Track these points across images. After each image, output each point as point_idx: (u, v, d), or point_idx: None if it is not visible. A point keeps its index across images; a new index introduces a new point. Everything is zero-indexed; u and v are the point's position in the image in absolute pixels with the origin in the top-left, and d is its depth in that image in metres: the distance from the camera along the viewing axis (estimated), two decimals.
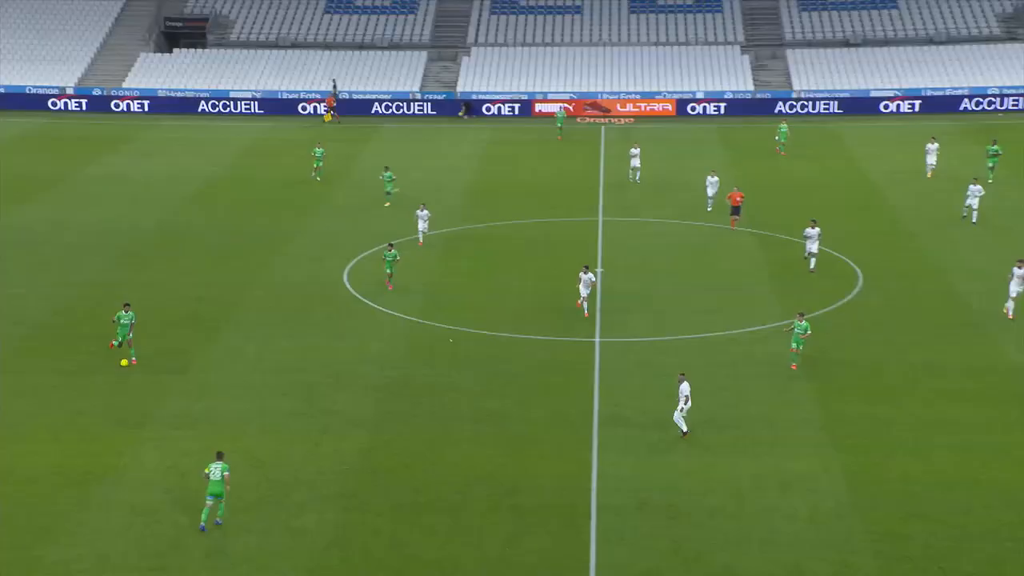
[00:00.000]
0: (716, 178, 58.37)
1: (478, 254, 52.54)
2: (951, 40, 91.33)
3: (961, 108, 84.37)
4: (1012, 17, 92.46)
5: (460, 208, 60.36)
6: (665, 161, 69.05)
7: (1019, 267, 42.52)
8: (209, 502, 29.08)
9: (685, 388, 33.67)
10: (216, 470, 29.07)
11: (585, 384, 37.91)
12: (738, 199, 54.49)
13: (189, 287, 48.04)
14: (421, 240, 52.31)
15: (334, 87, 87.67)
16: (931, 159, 64.10)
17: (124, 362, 39.23)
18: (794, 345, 38.09)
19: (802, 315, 38.42)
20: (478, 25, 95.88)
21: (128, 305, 39.66)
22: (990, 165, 61.94)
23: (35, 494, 31.20)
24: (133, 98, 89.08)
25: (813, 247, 47.86)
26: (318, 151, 66.00)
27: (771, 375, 38.46)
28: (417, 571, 27.72)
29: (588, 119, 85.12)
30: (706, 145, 75.29)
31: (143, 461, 33.18)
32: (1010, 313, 42.45)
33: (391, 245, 47.27)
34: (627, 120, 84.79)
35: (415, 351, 40.92)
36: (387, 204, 59.56)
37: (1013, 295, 42.49)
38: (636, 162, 64.38)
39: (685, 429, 33.70)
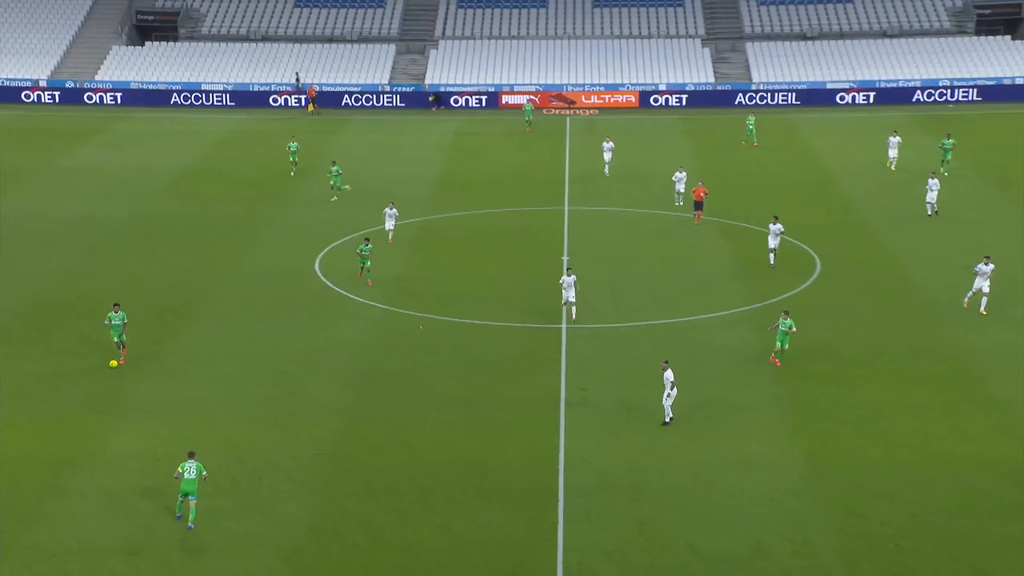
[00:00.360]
0: (683, 174, 57.45)
1: (447, 243, 52.43)
2: (904, 34, 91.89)
3: (913, 100, 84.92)
4: (962, 11, 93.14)
5: (429, 198, 60.24)
6: (629, 152, 68.98)
7: (985, 264, 41.82)
8: (181, 499, 28.58)
9: (669, 375, 33.38)
10: (191, 469, 28.44)
11: (552, 369, 37.95)
12: (702, 194, 54.00)
13: (163, 277, 47.72)
14: (391, 238, 50.87)
15: (297, 80, 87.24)
16: (893, 152, 63.81)
17: (114, 363, 38.25)
18: (778, 344, 37.44)
19: (787, 313, 37.81)
20: (445, 18, 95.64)
21: (117, 305, 38.63)
22: (945, 159, 61.55)
23: (12, 479, 30.96)
24: (106, 91, 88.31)
25: (774, 242, 47.28)
26: (292, 145, 65.02)
27: (733, 359, 38.61)
28: (389, 553, 27.70)
29: (554, 111, 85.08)
30: (669, 136, 75.44)
31: (118, 447, 32.98)
32: (965, 301, 42.23)
33: (367, 239, 46.65)
34: (592, 112, 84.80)
35: (386, 338, 40.84)
36: (334, 199, 58.64)
37: (976, 289, 41.76)
38: (608, 156, 63.63)
39: (669, 416, 33.51)
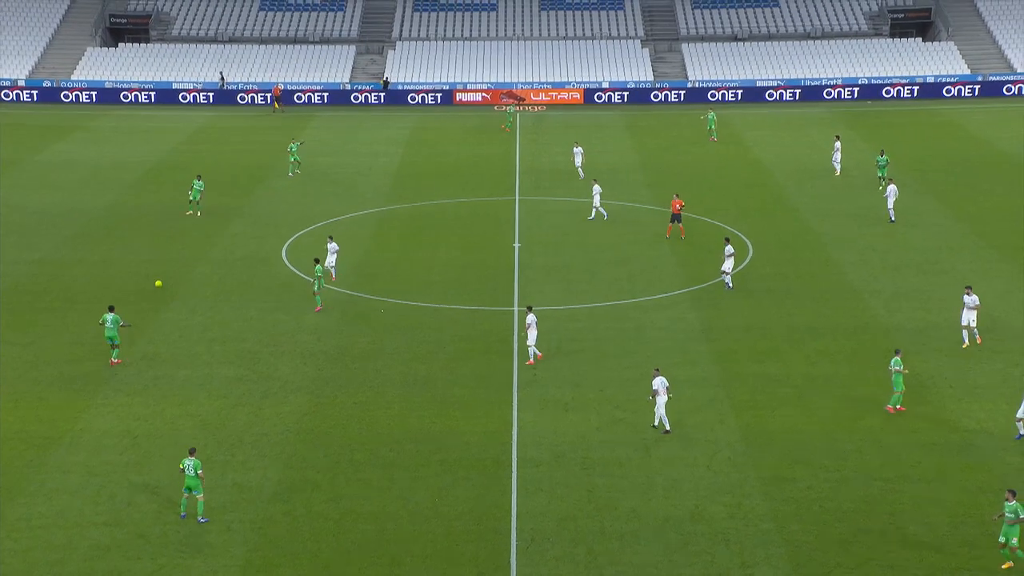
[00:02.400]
0: (598, 187, 53.10)
1: (406, 231, 52.16)
2: (825, 35, 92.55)
3: (835, 96, 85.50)
4: (877, 15, 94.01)
5: (388, 189, 59.91)
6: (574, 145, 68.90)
7: (968, 294, 37.71)
8: (186, 494, 27.69)
9: (662, 381, 31.74)
10: (190, 466, 27.49)
11: (505, 349, 37.90)
12: (678, 207, 49.57)
13: (138, 264, 47.13)
14: (333, 276, 43.99)
15: (221, 78, 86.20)
16: (837, 156, 61.17)
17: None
18: (897, 389, 32.84)
19: (898, 351, 33.51)
20: (402, 21, 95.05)
21: (112, 308, 37.04)
22: (880, 175, 56.75)
23: None
24: (81, 89, 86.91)
25: (727, 265, 43.31)
26: (293, 146, 62.58)
27: (673, 338, 38.70)
28: (354, 522, 27.58)
29: (504, 107, 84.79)
30: (611, 130, 75.42)
31: (97, 426, 32.58)
32: (965, 340, 37.62)
33: (317, 260, 41.94)
34: (540, 108, 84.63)
35: (349, 321, 40.60)
36: (188, 212, 53.75)
37: (964, 323, 37.54)
38: (579, 160, 61.21)
39: (667, 426, 31.62)
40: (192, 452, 28.04)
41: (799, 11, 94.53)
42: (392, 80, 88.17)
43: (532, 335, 36.48)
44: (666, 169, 63.17)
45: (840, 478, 29.35)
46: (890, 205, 52.45)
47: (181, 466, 27.81)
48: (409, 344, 38.45)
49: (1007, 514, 25.38)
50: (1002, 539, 25.45)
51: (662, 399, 31.75)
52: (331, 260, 44.10)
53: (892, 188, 52.83)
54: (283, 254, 48.32)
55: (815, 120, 73.99)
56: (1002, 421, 32.20)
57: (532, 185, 60.45)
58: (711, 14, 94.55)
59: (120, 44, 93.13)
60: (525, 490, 28.90)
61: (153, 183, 61.35)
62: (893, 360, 32.93)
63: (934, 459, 30.28)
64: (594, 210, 52.78)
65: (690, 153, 68.20)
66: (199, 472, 27.58)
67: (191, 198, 53.94)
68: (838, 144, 62.01)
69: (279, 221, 53.17)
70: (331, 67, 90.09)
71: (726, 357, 37.07)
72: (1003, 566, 25.42)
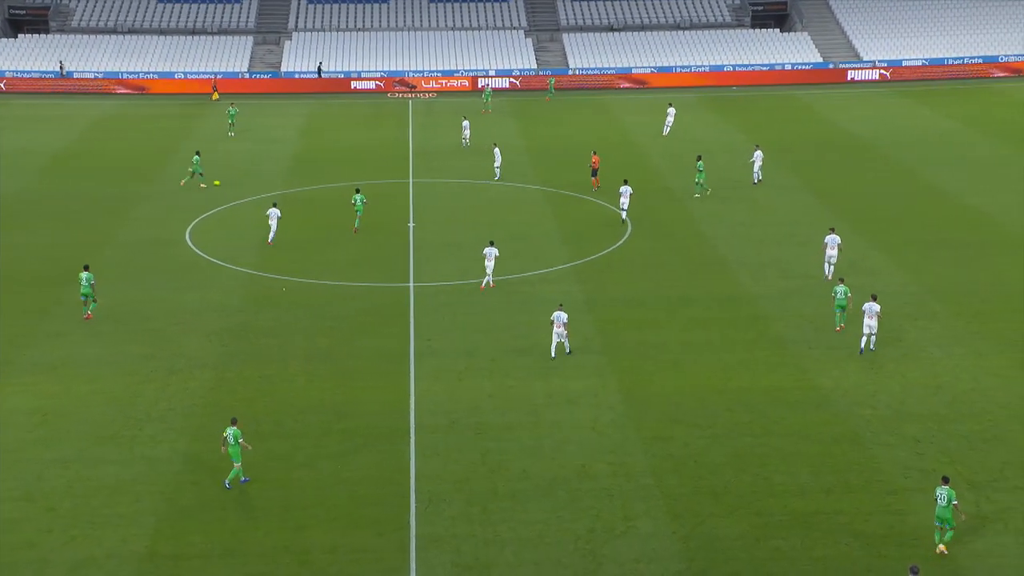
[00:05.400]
0: (498, 149, 56.34)
1: (305, 213, 51.30)
2: (693, 26, 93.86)
3: (702, 83, 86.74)
4: (740, 8, 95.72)
5: (287, 173, 58.87)
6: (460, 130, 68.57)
7: (831, 234, 40.63)
8: (237, 464, 27.11)
9: (559, 316, 34.16)
10: (231, 435, 26.93)
11: (402, 323, 37.68)
12: (596, 162, 53.99)
13: (46, 248, 45.52)
14: (271, 240, 45.38)
15: (61, 68, 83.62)
16: (669, 119, 66.67)
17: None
18: (838, 310, 35.88)
19: (842, 280, 36.51)
20: (297, 12, 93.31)
21: (87, 267, 37.50)
22: (697, 180, 52.89)
23: None
24: None
25: (624, 202, 47.92)
26: (232, 110, 65.29)
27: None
28: (260, 490, 27.17)
29: (397, 94, 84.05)
30: (497, 115, 75.29)
31: (8, 405, 31.45)
32: (827, 274, 40.65)
33: (358, 189, 47.24)
34: (431, 95, 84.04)
35: (252, 300, 39.86)
36: (186, 181, 54.53)
37: (827, 259, 40.50)
38: (467, 132, 63.45)
39: (552, 354, 34.21)
40: (234, 422, 27.41)
41: (669, 3, 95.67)
42: (288, 69, 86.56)
43: (490, 266, 39.46)
44: (549, 151, 63.33)
45: (713, 435, 29.93)
46: (756, 168, 54.39)
47: (224, 434, 27.13)
48: (311, 320, 37.94)
49: (939, 500, 24.33)
50: (938, 523, 24.38)
51: (558, 331, 33.83)
52: (274, 225, 45.43)
53: (758, 153, 55.05)
54: (187, 236, 47.15)
55: (685, 104, 74.84)
56: (852, 378, 33.23)
57: (424, 168, 60.05)
58: (589, 6, 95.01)
59: (20, 35, 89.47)
60: (423, 455, 28.83)
61: (59, 169, 59.25)
62: (836, 288, 35.98)
63: (796, 415, 31.10)
64: (496, 170, 55.72)
65: (570, 135, 68.45)
66: (239, 441, 26.96)
67: (197, 171, 54.07)
68: (671, 110, 66.35)
69: (182, 205, 51.84)
70: (229, 57, 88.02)
71: (608, 327, 37.43)
72: (938, 550, 24.39)
